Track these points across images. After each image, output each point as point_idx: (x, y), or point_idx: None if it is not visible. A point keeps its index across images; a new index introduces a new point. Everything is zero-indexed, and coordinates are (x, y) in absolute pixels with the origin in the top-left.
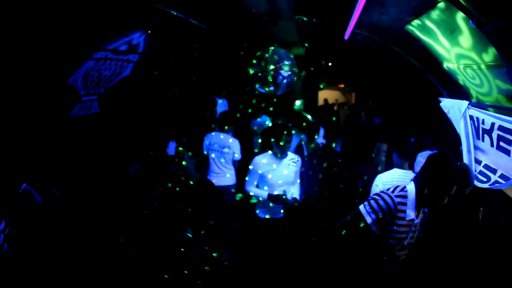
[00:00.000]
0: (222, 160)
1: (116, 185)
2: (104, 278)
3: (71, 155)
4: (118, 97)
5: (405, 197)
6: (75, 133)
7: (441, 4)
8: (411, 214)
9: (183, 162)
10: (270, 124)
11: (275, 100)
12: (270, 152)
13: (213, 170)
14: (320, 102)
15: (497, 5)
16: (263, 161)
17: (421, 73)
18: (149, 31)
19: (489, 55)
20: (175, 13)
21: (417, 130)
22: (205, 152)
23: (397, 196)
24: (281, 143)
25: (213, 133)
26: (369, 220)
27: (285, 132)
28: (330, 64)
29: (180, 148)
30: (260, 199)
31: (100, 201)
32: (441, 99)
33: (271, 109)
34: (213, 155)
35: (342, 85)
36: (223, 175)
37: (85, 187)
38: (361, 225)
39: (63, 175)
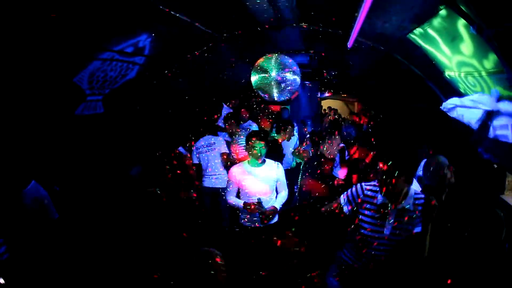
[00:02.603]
0: (215, 161)
1: (118, 185)
2: (102, 276)
3: (74, 153)
4: (123, 98)
5: (377, 186)
6: (79, 132)
7: (442, 12)
8: (381, 198)
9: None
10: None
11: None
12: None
13: (205, 172)
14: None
15: (497, 10)
16: (238, 170)
17: (423, 82)
18: (155, 34)
19: (490, 61)
20: (182, 17)
21: (420, 139)
22: (195, 161)
23: (368, 185)
24: (252, 149)
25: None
26: (342, 201)
27: (255, 138)
28: (334, 73)
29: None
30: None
31: (102, 200)
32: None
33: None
34: (204, 157)
35: (345, 95)
36: (216, 177)
37: (87, 186)
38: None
39: (65, 173)
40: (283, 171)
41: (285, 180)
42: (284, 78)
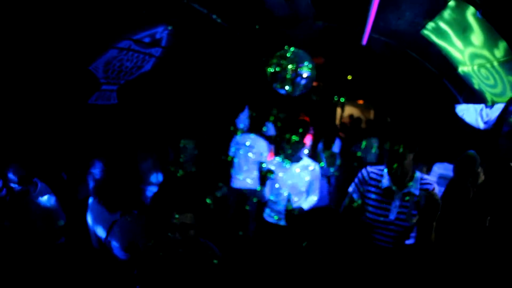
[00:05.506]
0: (247, 161)
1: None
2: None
3: (85, 141)
4: (137, 91)
5: (382, 170)
6: (92, 121)
7: (451, 3)
8: (386, 182)
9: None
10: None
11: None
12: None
13: (238, 171)
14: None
15: None
16: (272, 164)
17: (438, 80)
18: (172, 26)
19: (500, 50)
20: (199, 8)
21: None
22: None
23: (372, 169)
24: (286, 147)
25: (241, 135)
26: (350, 189)
27: (290, 135)
28: (349, 77)
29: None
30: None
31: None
32: (457, 105)
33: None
34: (240, 155)
35: (361, 101)
36: (248, 177)
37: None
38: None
39: (74, 160)
40: (319, 174)
41: (318, 184)
42: (301, 73)
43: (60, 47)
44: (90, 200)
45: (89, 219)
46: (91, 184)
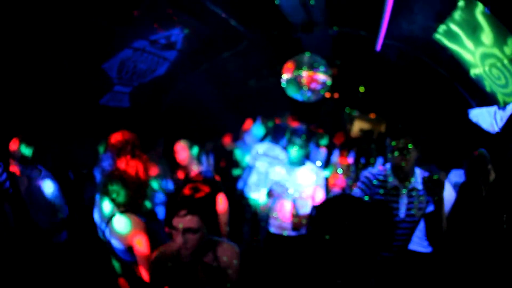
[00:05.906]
0: (262, 169)
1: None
2: None
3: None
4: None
5: (385, 170)
6: (102, 122)
7: (461, 3)
8: (392, 181)
9: None
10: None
11: None
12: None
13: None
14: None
15: None
16: (278, 169)
17: (450, 84)
18: (189, 29)
19: (510, 46)
20: (217, 11)
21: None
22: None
23: (375, 171)
24: (291, 149)
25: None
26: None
27: (294, 137)
28: (362, 89)
29: None
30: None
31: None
32: (470, 110)
33: None
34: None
35: (373, 115)
36: (261, 187)
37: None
38: None
39: (81, 160)
40: (324, 178)
41: (324, 189)
42: (316, 78)
43: (74, 42)
44: (97, 196)
45: (96, 216)
46: (98, 177)
